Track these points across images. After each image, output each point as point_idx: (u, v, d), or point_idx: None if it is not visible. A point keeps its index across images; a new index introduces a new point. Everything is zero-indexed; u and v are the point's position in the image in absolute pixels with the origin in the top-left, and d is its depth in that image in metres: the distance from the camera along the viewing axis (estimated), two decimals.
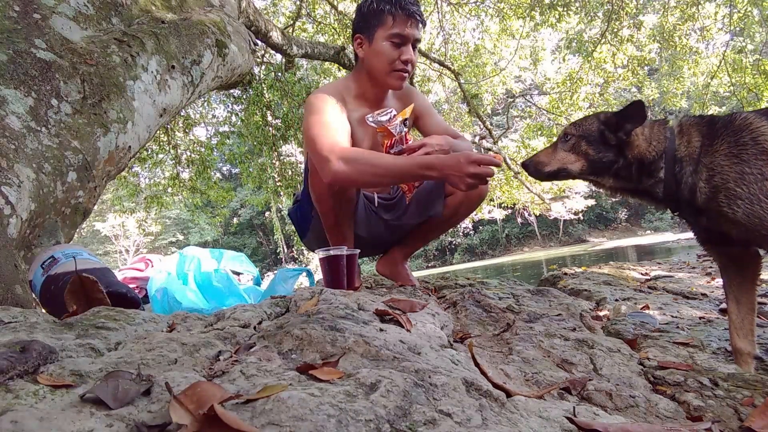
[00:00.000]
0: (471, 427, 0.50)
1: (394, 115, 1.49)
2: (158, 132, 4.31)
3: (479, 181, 1.24)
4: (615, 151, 1.11)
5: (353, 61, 4.18)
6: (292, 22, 6.81)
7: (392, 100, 1.70)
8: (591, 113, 1.24)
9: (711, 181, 0.99)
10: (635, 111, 1.07)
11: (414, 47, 1.54)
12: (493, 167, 1.24)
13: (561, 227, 32.85)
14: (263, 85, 6.26)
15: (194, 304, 1.73)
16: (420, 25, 1.53)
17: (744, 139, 0.96)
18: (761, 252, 1.08)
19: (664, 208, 1.14)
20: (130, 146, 1.79)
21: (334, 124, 1.42)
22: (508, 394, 0.65)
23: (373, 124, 1.49)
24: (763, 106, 7.05)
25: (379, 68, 1.53)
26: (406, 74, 1.55)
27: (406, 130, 1.51)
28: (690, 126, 1.07)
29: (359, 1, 1.62)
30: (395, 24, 1.48)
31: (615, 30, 7.33)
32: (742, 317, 1.08)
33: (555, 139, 1.28)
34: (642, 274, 2.76)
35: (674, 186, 1.05)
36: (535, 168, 1.22)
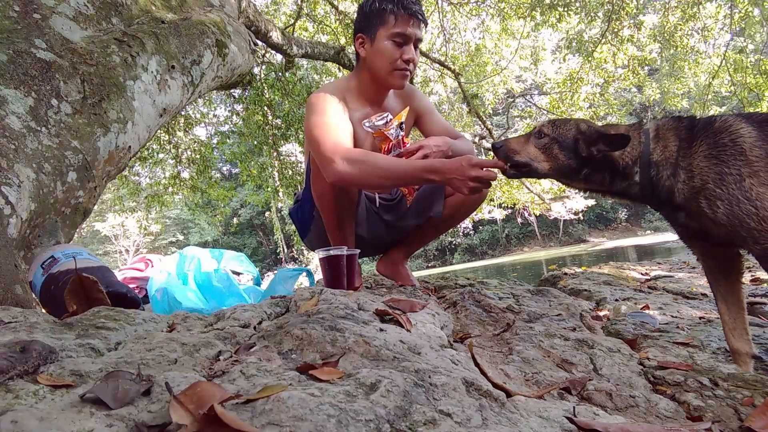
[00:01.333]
0: (471, 427, 0.50)
1: (390, 119, 1.48)
2: (159, 131, 4.32)
3: (482, 185, 1.23)
4: (583, 161, 1.10)
5: (353, 61, 4.18)
6: (292, 21, 6.81)
7: (393, 99, 1.70)
8: (571, 118, 1.23)
9: (690, 183, 0.99)
10: (618, 140, 1.06)
11: (416, 47, 1.54)
12: (496, 170, 1.23)
13: (561, 227, 32.83)
14: (264, 85, 6.27)
15: (194, 304, 1.73)
16: (422, 25, 1.53)
17: (723, 141, 0.96)
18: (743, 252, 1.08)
19: (643, 205, 1.15)
20: (130, 146, 1.79)
21: (336, 125, 1.42)
22: (508, 394, 0.65)
23: (369, 129, 1.49)
24: (764, 106, 7.04)
25: (380, 67, 1.53)
26: (408, 73, 1.55)
27: (402, 133, 1.51)
28: (667, 129, 1.06)
29: (360, 1, 1.62)
30: (397, 23, 1.48)
31: (615, 30, 7.32)
32: (734, 317, 1.08)
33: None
34: (642, 274, 2.76)
35: (650, 188, 1.05)
36: (505, 153, 1.20)
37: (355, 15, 1.61)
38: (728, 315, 1.09)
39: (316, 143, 1.38)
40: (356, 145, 1.53)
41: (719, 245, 1.06)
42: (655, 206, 1.10)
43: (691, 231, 1.06)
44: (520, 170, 1.19)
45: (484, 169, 1.22)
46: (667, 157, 1.03)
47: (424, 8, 1.66)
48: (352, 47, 1.70)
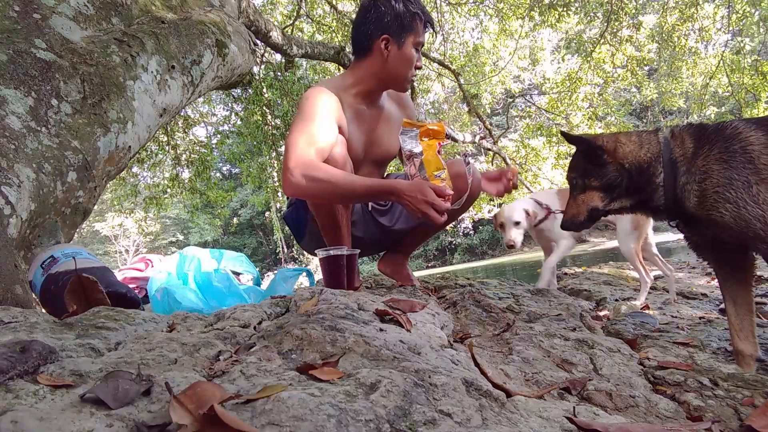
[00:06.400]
0: (471, 427, 0.50)
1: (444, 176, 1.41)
2: (158, 132, 4.31)
3: (429, 215, 1.25)
4: (614, 169, 1.12)
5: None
6: (291, 21, 6.80)
7: (387, 99, 1.70)
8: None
9: (702, 184, 1.02)
10: (572, 140, 1.16)
11: None
12: (445, 203, 1.25)
13: None
14: (263, 84, 6.26)
15: (194, 304, 1.73)
16: None
17: (734, 147, 1.00)
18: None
19: (663, 219, 1.15)
20: (130, 146, 1.79)
21: (315, 134, 1.38)
22: (508, 394, 0.65)
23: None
24: (761, 107, 7.04)
25: (402, 72, 1.55)
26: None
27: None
28: (681, 131, 1.10)
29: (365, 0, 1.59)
30: (423, 32, 1.53)
31: (614, 30, 7.33)
32: (741, 319, 1.08)
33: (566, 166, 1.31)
34: None
35: (673, 188, 1.06)
36: (572, 223, 1.22)
37: (374, 12, 1.51)
38: (735, 316, 1.09)
39: (287, 150, 1.36)
40: (350, 143, 1.50)
41: (731, 251, 1.07)
42: (674, 215, 1.11)
43: (704, 239, 1.08)
44: (593, 221, 1.21)
45: (436, 198, 1.24)
46: (684, 154, 1.05)
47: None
48: (349, 45, 1.69)
